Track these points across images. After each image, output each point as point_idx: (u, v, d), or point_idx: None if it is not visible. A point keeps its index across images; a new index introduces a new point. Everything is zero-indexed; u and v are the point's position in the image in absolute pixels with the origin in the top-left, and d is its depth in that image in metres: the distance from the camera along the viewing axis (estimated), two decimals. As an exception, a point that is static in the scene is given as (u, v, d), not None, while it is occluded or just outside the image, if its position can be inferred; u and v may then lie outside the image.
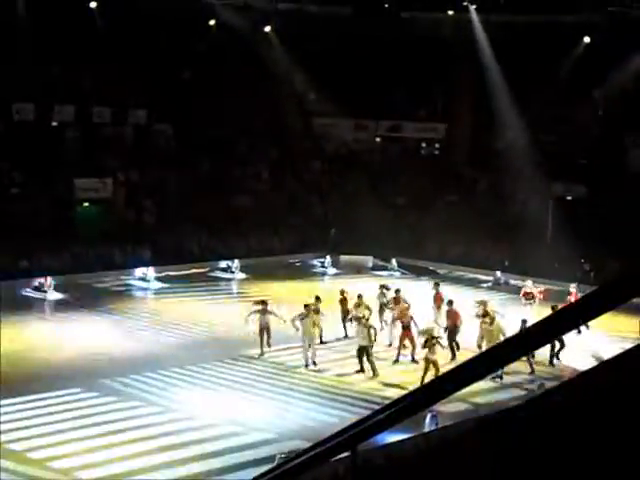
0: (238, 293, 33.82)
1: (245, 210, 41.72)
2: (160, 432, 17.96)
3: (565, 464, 2.36)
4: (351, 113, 47.11)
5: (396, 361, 23.38)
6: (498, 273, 36.56)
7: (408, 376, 21.53)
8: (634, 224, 34.06)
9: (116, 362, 23.11)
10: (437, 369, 20.27)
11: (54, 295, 31.13)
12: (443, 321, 24.98)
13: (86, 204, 38.21)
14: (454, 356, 23.11)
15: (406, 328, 23.53)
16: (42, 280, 31.60)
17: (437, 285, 28.67)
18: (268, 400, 20.11)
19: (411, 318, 23.74)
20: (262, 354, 23.68)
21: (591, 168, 41.56)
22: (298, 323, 23.15)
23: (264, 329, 23.74)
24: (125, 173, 40.21)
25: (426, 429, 16.62)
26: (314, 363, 22.96)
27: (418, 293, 29.03)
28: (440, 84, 46.38)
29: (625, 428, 2.30)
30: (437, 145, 48.59)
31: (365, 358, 22.32)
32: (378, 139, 49.16)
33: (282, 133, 46.80)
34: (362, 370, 22.24)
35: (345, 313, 25.90)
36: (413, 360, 23.13)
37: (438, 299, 27.26)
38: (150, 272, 34.52)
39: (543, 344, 2.38)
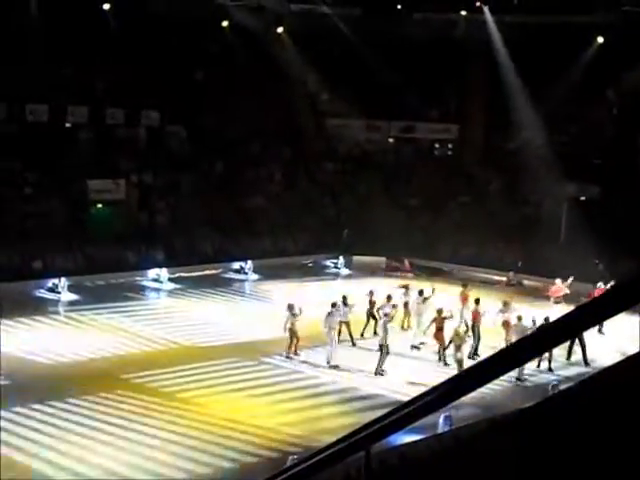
0: (251, 294, 33.83)
1: (258, 211, 41.74)
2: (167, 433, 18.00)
3: (577, 464, 2.35)
4: (364, 114, 47.09)
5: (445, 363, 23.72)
6: (511, 274, 36.49)
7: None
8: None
9: (127, 362, 23.19)
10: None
11: (68, 296, 31.22)
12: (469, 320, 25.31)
13: (99, 205, 38.28)
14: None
15: (439, 329, 23.76)
16: (56, 281, 31.69)
17: (465, 286, 29.01)
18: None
19: (443, 319, 23.97)
20: (288, 356, 23.78)
21: (605, 168, 41.44)
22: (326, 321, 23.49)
23: (292, 333, 23.89)
24: (138, 174, 40.26)
25: (439, 430, 16.60)
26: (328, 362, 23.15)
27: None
28: (453, 85, 46.30)
29: (636, 428, 2.29)
30: (450, 146, 48.51)
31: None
32: (391, 140, 49.12)
33: (295, 134, 46.81)
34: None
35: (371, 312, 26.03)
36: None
37: (464, 299, 27.42)
38: (163, 273, 34.57)
39: (558, 344, 2.37)
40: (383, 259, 39.41)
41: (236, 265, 37.12)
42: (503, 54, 44.50)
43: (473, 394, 2.61)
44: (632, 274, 2.32)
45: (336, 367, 23.23)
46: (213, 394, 20.84)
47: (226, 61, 44.73)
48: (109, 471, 16.13)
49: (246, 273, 36.49)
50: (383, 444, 2.91)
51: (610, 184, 40.01)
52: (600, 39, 43.54)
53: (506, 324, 24.23)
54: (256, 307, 30.46)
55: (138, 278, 34.70)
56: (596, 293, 28.50)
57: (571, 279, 30.75)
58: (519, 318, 23.80)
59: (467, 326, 25.20)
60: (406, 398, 2.73)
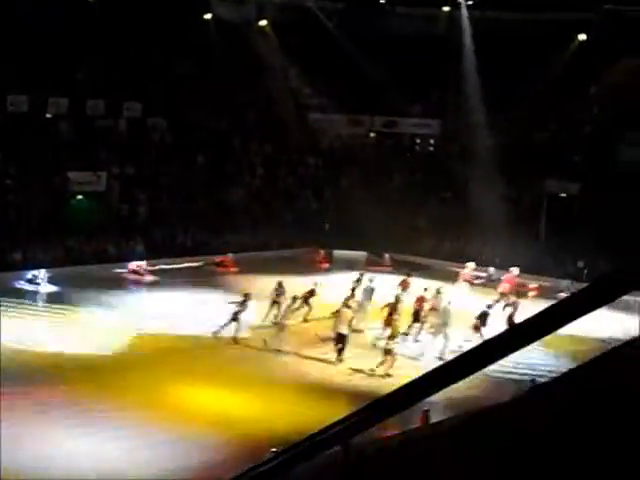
0: (230, 287, 33.72)
1: (239, 204, 41.69)
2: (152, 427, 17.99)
3: (554, 458, 2.37)
4: (345, 108, 47.09)
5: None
6: (491, 269, 36.59)
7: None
8: (627, 221, 34.15)
9: (108, 355, 23.13)
10: None
11: (47, 288, 31.12)
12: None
13: (80, 197, 38.12)
14: None
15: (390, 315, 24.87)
16: (35, 272, 31.57)
17: (408, 275, 30.50)
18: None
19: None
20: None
21: (585, 165, 41.63)
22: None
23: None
24: (119, 166, 40.12)
25: (419, 423, 16.66)
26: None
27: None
28: (435, 80, 46.34)
29: (613, 424, 2.31)
30: (431, 141, 48.55)
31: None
32: (373, 134, 49.12)
33: (276, 128, 46.74)
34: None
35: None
36: None
37: (405, 286, 28.79)
38: (143, 265, 34.51)
39: (534, 340, 2.39)
40: (364, 253, 39.47)
41: (217, 258, 37.08)
42: (470, 50, 44.77)
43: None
44: (609, 271, 2.35)
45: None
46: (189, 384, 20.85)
47: (208, 53, 44.62)
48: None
49: (225, 266, 36.46)
50: (362, 437, 2.93)
51: (590, 181, 40.20)
52: (581, 36, 43.73)
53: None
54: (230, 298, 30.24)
55: (118, 270, 34.61)
56: (505, 279, 31.56)
57: (537, 284, 31.69)
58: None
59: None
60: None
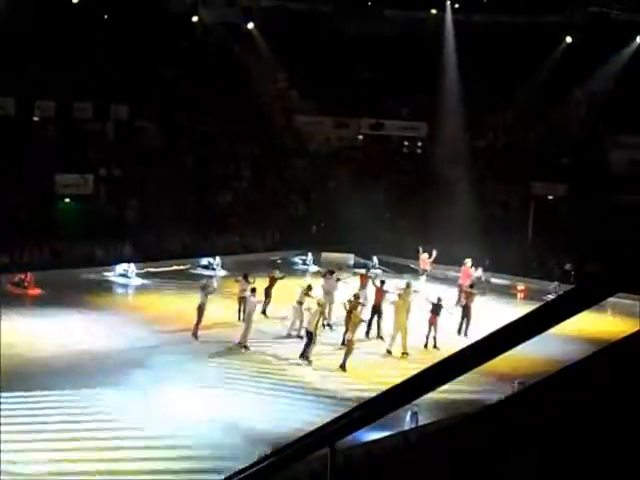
0: (219, 290, 33.67)
1: (227, 207, 41.68)
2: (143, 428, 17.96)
3: (543, 459, 2.37)
4: (333, 111, 47.12)
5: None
6: (479, 271, 36.66)
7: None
8: (614, 224, 34.30)
9: (95, 359, 23.06)
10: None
11: (34, 291, 31.02)
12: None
13: (67, 200, 38.04)
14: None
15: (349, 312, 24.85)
16: (22, 276, 31.46)
17: (368, 269, 33.06)
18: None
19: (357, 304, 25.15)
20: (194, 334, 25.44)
21: (572, 168, 41.76)
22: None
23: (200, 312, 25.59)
24: (107, 169, 40.04)
25: (406, 427, 16.68)
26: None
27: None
28: (422, 83, 46.40)
29: (604, 423, 2.31)
30: (419, 144, 48.60)
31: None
32: (360, 137, 49.16)
33: (264, 130, 46.75)
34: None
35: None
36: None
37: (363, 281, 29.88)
38: (131, 268, 34.44)
39: (521, 342, 2.39)
40: (352, 256, 39.52)
41: (204, 261, 37.05)
42: (450, 53, 44.98)
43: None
44: (596, 273, 2.35)
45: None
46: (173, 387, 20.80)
47: (196, 56, 44.61)
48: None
49: (214, 269, 36.40)
50: (349, 440, 2.92)
51: (577, 183, 40.33)
52: (568, 39, 43.90)
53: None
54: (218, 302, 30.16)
55: (106, 274, 34.54)
56: (463, 271, 32.71)
57: (524, 286, 31.94)
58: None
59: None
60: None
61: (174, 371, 22.15)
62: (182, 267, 36.47)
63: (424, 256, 34.60)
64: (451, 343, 22.45)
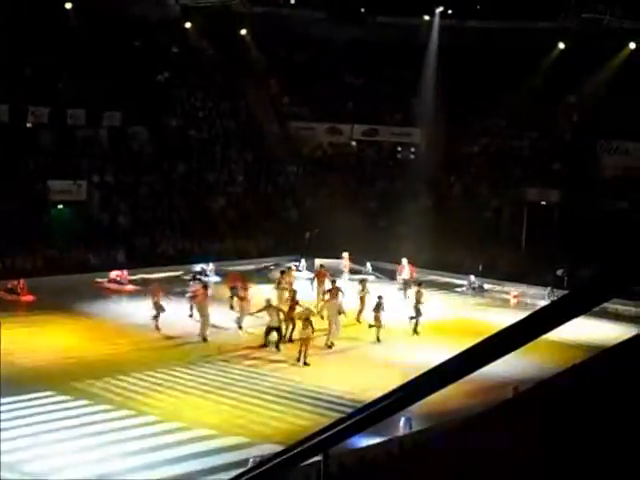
0: (212, 296, 33.64)
1: (220, 213, 41.67)
2: (132, 435, 17.92)
3: (536, 465, 2.37)
4: (326, 117, 47.16)
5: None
6: (472, 277, 36.73)
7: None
8: (607, 229, 34.35)
9: (88, 364, 23.03)
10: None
11: (27, 297, 30.95)
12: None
13: (60, 206, 37.99)
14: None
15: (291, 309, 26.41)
16: (15, 282, 31.38)
17: (322, 266, 34.09)
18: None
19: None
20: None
21: (565, 174, 41.84)
22: None
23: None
24: (100, 175, 40.01)
25: (400, 433, 16.65)
26: None
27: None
28: (416, 88, 46.47)
29: (597, 428, 2.31)
30: (412, 149, 48.60)
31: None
32: (354, 143, 49.16)
33: (257, 136, 46.78)
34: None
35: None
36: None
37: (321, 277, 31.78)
38: (124, 275, 34.39)
39: (515, 348, 2.39)
40: (345, 262, 39.47)
41: (197, 267, 37.00)
42: (433, 58, 45.19)
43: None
44: (590, 278, 2.35)
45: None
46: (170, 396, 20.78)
47: (188, 62, 44.63)
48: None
49: (207, 275, 36.34)
50: (342, 447, 2.91)
51: (570, 189, 40.40)
52: (561, 45, 44.00)
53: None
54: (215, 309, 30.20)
55: (99, 280, 34.47)
56: (399, 269, 34.49)
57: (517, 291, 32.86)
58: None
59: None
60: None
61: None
62: (175, 273, 36.40)
63: (404, 263, 35.25)
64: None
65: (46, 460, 16.56)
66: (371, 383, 20.19)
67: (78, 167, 39.39)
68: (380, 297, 27.25)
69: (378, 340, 26.60)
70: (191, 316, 28.02)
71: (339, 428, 2.79)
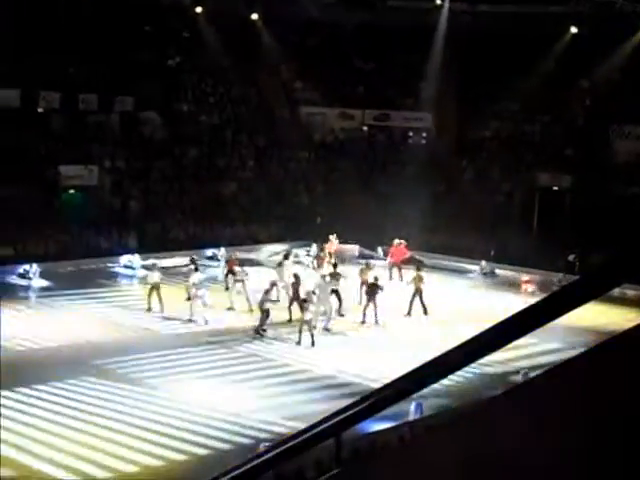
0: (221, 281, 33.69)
1: (231, 198, 41.67)
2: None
3: (546, 451, 2.37)
4: (338, 101, 47.05)
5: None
6: (484, 262, 36.69)
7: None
8: (619, 215, 34.23)
9: (101, 348, 23.15)
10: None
11: (39, 282, 31.08)
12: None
13: (72, 191, 38.07)
14: None
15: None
16: (27, 267, 31.52)
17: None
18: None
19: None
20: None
21: (577, 159, 41.67)
22: None
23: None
24: (111, 160, 40.06)
25: (411, 418, 16.69)
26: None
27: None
28: (427, 73, 46.30)
29: (608, 416, 2.31)
30: (424, 134, 48.48)
31: None
32: (365, 128, 49.06)
33: (268, 121, 46.72)
34: None
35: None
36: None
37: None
38: (136, 259, 34.47)
39: (526, 333, 2.39)
40: (357, 247, 39.50)
41: (209, 252, 37.03)
42: (443, 42, 45.00)
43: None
44: (601, 263, 2.35)
45: None
46: (183, 379, 20.84)
47: (200, 47, 44.57)
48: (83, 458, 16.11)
49: (218, 260, 36.40)
50: (354, 431, 2.93)
51: (582, 174, 40.25)
52: (573, 29, 43.75)
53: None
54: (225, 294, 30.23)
55: (110, 264, 34.57)
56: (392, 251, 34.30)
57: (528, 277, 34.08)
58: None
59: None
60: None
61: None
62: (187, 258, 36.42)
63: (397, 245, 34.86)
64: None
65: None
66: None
67: (89, 152, 39.44)
68: (376, 278, 27.66)
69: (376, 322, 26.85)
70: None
71: (351, 412, 2.80)
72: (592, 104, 44.13)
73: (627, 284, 2.35)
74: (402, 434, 12.94)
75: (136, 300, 29.24)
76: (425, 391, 2.76)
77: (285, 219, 41.42)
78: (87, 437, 16.98)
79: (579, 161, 41.23)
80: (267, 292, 25.92)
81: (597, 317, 23.00)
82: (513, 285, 34.60)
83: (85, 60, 40.50)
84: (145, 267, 34.06)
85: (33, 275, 31.28)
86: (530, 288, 33.97)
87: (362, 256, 38.11)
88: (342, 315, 27.43)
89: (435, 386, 2.78)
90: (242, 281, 28.47)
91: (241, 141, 45.54)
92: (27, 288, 30.57)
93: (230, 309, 27.81)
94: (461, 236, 38.95)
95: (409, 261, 34.00)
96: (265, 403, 19.35)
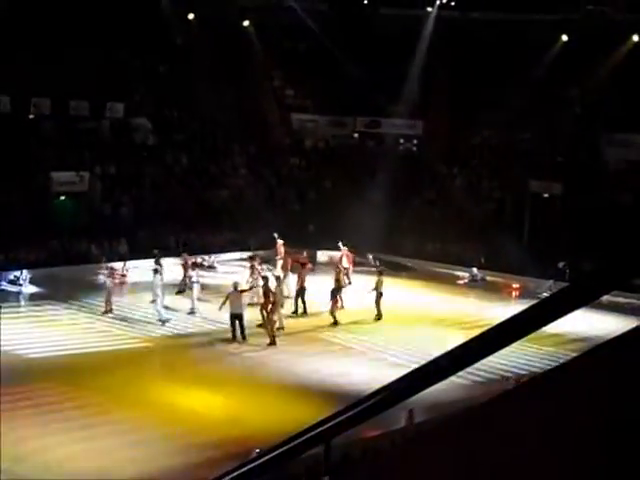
0: (213, 287, 33.64)
1: (222, 205, 41.62)
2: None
3: (540, 456, 2.38)
4: (329, 109, 47.08)
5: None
6: (474, 269, 36.75)
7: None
8: (609, 222, 34.32)
9: (90, 356, 23.10)
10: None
11: (30, 288, 30.99)
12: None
13: (62, 197, 37.98)
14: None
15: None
16: (17, 273, 31.43)
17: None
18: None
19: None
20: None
21: (568, 166, 41.76)
22: None
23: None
24: (102, 167, 39.99)
25: (402, 424, 16.68)
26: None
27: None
28: (418, 80, 46.37)
29: (599, 420, 2.32)
30: (415, 141, 48.54)
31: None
32: (356, 135, 49.11)
33: (260, 128, 46.71)
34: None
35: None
36: None
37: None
38: (125, 266, 34.37)
39: (514, 340, 2.40)
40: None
41: (198, 259, 36.95)
42: (431, 51, 45.14)
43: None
44: (589, 271, 2.36)
45: None
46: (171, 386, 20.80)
47: (192, 54, 44.56)
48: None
49: (210, 266, 36.39)
50: (344, 437, 2.93)
51: (573, 181, 40.33)
52: (564, 37, 43.87)
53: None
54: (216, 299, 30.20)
55: (101, 271, 34.44)
56: (343, 254, 33.90)
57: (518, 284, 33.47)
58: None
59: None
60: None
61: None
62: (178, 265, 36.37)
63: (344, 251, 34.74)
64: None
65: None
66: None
67: (80, 158, 39.36)
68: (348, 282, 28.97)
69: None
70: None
71: (341, 418, 2.81)
72: (583, 111, 44.23)
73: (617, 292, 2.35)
74: (393, 440, 12.92)
75: (126, 308, 29.18)
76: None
77: (276, 226, 41.38)
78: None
79: (570, 168, 41.30)
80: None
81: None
82: (503, 292, 34.65)
83: (75, 66, 40.43)
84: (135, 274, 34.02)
85: (24, 281, 31.21)
86: (519, 294, 34.08)
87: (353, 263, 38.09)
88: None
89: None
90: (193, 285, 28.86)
91: (233, 148, 45.51)
92: (17, 294, 30.46)
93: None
94: (452, 243, 39.03)
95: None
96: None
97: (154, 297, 27.65)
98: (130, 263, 34.40)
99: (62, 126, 39.95)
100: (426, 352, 18.25)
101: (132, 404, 19.53)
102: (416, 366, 2.75)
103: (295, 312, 28.50)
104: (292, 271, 31.17)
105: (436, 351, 2.69)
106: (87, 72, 40.16)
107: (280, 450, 3.03)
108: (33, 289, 31.00)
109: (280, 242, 34.74)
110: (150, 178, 41.11)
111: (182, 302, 29.10)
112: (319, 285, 29.62)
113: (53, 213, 37.17)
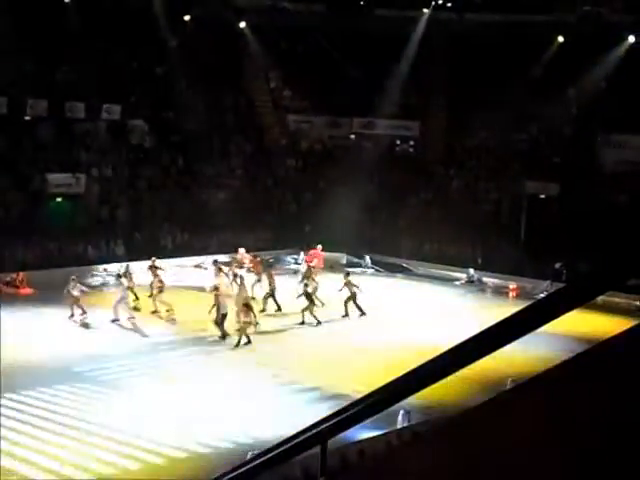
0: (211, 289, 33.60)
1: (219, 206, 41.60)
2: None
3: (535, 458, 2.38)
4: (325, 110, 47.09)
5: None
6: (471, 271, 36.77)
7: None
8: (606, 223, 34.35)
9: (87, 356, 23.08)
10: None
11: (26, 290, 30.97)
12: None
13: (59, 199, 37.95)
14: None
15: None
16: (14, 275, 31.41)
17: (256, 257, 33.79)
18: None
19: None
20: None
21: (564, 167, 41.78)
22: None
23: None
24: (99, 168, 39.97)
25: (399, 425, 16.66)
26: None
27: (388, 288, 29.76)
28: (414, 82, 46.41)
29: (596, 420, 2.32)
30: (411, 142, 48.56)
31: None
32: (352, 136, 49.11)
33: (256, 129, 46.71)
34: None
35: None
36: None
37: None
38: (123, 268, 34.33)
39: (511, 341, 2.40)
40: (344, 255, 39.53)
41: (196, 260, 37.02)
42: (419, 52, 45.18)
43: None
44: (586, 271, 2.36)
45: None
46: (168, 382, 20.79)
47: (188, 55, 44.55)
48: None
49: (206, 268, 36.35)
50: (341, 439, 2.92)
51: (569, 182, 40.36)
52: (560, 38, 43.92)
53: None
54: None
55: (97, 273, 34.46)
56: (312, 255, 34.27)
57: (515, 284, 34.28)
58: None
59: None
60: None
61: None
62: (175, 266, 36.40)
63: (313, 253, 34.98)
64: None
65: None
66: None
67: (77, 160, 39.35)
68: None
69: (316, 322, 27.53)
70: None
71: (337, 420, 2.80)
72: (579, 112, 44.26)
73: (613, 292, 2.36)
74: (389, 442, 12.91)
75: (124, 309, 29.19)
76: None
77: (273, 227, 41.42)
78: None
79: (566, 169, 41.33)
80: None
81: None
82: (499, 293, 34.69)
83: (72, 68, 40.42)
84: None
85: (20, 283, 31.19)
86: (516, 295, 34.11)
87: (350, 264, 38.21)
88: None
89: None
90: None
91: (229, 149, 45.50)
92: (14, 296, 30.43)
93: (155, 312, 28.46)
94: (449, 244, 39.06)
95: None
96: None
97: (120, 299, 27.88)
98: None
99: (58, 128, 39.92)
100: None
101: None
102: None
103: (264, 310, 28.65)
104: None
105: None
106: (84, 74, 40.19)
107: (276, 451, 3.02)
108: (29, 291, 31.00)
109: (242, 251, 34.36)
110: (147, 179, 41.09)
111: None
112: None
113: (49, 215, 37.15)
